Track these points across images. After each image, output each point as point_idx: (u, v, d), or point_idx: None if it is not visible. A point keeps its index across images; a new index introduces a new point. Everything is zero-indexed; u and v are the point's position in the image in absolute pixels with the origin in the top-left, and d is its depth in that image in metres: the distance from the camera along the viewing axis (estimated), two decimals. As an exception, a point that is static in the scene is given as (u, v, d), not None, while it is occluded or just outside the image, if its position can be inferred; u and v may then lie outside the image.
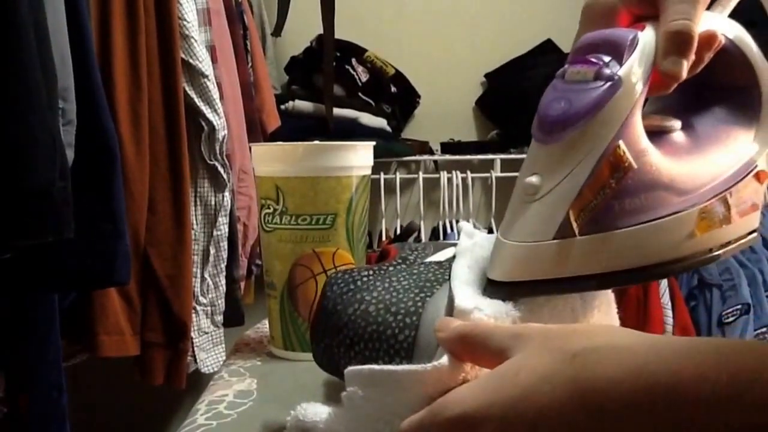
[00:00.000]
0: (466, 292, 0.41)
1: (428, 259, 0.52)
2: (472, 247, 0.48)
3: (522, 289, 0.39)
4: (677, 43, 0.38)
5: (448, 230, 1.87)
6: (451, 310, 0.41)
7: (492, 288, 0.40)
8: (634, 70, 0.38)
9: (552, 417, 0.30)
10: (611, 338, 0.31)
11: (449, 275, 0.46)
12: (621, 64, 0.38)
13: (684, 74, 0.38)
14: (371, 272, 0.51)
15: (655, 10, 0.39)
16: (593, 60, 0.38)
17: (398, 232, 1.85)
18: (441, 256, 0.52)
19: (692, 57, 0.38)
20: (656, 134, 0.41)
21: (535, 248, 0.38)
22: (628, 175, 0.38)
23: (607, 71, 0.37)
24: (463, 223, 0.53)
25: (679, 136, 0.43)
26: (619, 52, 0.38)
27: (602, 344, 0.31)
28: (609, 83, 0.37)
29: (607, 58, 0.38)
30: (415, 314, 0.44)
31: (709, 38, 0.40)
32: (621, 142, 0.37)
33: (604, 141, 0.37)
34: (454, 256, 0.49)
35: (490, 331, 0.36)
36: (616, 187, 0.38)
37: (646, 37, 0.39)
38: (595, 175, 0.37)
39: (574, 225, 0.38)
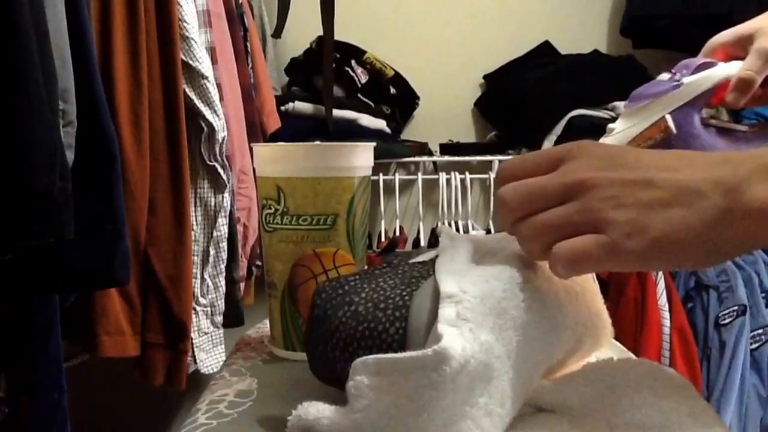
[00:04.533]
0: (451, 280, 0.44)
1: (412, 261, 0.54)
2: (453, 244, 0.50)
3: None
4: (740, 85, 0.59)
5: (447, 231, 1.87)
6: (437, 298, 0.43)
7: None
8: (692, 82, 0.60)
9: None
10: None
11: (434, 270, 0.47)
12: (686, 76, 0.60)
13: (739, 104, 0.60)
14: (357, 277, 0.52)
15: (744, 54, 0.61)
16: (673, 71, 0.61)
17: (397, 233, 1.85)
18: (425, 257, 0.54)
19: (749, 95, 0.60)
20: (724, 130, 0.61)
21: None
22: (669, 134, 0.59)
23: (676, 78, 0.60)
24: (442, 227, 0.56)
25: (745, 134, 0.62)
26: (689, 69, 0.61)
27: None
28: (671, 85, 0.60)
29: (684, 71, 0.61)
30: (403, 307, 0.46)
31: None
32: (667, 115, 0.59)
33: (657, 114, 0.59)
34: (437, 256, 0.50)
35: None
36: (659, 139, 0.59)
37: (722, 68, 0.61)
38: (647, 130, 0.59)
39: None
